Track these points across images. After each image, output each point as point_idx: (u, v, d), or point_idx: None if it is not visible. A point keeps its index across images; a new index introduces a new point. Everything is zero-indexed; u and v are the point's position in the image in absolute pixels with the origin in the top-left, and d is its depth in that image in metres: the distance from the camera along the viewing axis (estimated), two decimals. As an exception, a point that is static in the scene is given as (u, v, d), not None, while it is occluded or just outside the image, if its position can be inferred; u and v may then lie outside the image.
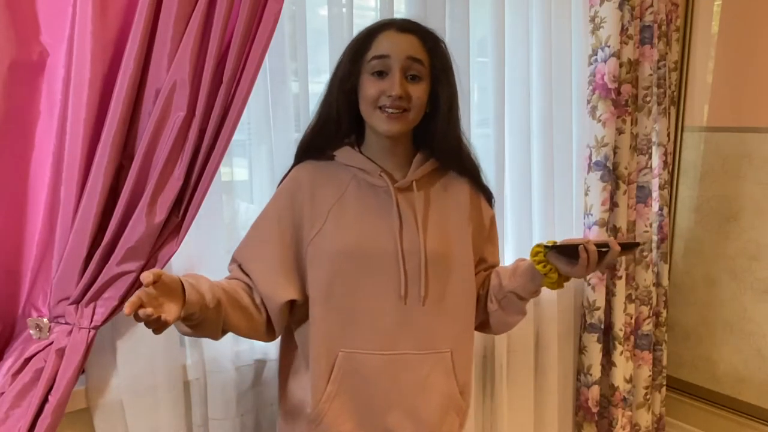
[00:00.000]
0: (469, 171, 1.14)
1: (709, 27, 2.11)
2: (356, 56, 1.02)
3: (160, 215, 1.03)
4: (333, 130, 1.06)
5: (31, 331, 1.02)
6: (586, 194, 1.85)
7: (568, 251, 1.02)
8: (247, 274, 1.04)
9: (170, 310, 0.81)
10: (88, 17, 0.94)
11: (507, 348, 1.74)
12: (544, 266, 1.06)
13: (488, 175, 1.64)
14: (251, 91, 1.07)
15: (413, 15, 1.42)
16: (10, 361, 1.00)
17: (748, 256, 2.07)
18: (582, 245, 1.01)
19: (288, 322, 1.08)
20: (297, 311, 1.07)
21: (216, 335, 0.96)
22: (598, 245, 1.01)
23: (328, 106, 1.05)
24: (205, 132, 1.05)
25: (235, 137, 1.08)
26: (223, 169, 1.16)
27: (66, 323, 1.02)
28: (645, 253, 1.99)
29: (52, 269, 1.01)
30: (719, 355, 2.18)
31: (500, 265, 1.24)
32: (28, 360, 1.00)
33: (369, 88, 1.00)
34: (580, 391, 1.98)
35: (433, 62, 1.02)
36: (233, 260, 1.08)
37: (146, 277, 0.76)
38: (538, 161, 1.77)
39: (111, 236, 1.01)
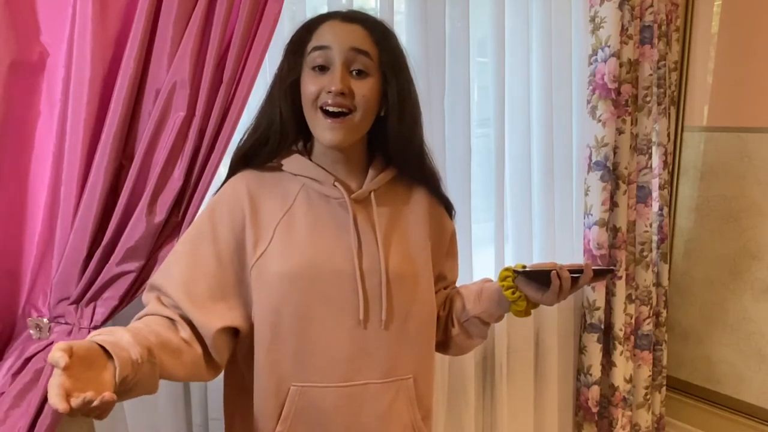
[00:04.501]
0: (428, 180, 1.02)
1: (709, 27, 2.11)
2: (296, 48, 0.91)
3: (160, 215, 1.03)
4: (278, 136, 0.93)
5: (31, 331, 1.02)
6: (586, 194, 1.85)
7: (538, 277, 0.94)
8: (167, 305, 0.87)
9: (105, 385, 0.64)
10: (88, 17, 0.94)
11: (507, 348, 1.73)
12: (513, 293, 0.97)
13: (488, 175, 1.67)
14: (251, 91, 1.07)
15: (413, 15, 1.43)
16: (10, 361, 0.99)
17: (748, 256, 2.07)
18: (555, 271, 0.92)
19: (232, 352, 0.94)
20: (244, 341, 0.93)
21: (152, 391, 0.78)
22: (571, 270, 0.93)
23: (270, 109, 0.93)
24: (205, 132, 1.05)
25: (235, 137, 1.08)
26: (223, 169, 1.16)
27: (66, 323, 1.02)
28: (645, 253, 1.99)
29: (52, 269, 1.01)
30: (719, 355, 2.18)
31: (457, 279, 1.15)
32: (28, 360, 1.00)
33: (309, 84, 0.88)
34: (580, 391, 1.98)
35: (381, 56, 0.89)
36: (152, 288, 0.90)
37: (59, 359, 0.59)
38: (538, 161, 1.77)
39: (111, 236, 1.01)
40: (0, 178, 0.96)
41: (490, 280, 1.09)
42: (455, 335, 1.09)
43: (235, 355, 0.96)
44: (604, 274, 0.99)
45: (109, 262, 1.01)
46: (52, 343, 1.01)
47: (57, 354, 0.60)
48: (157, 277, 0.90)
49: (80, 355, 0.63)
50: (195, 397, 1.25)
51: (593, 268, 0.95)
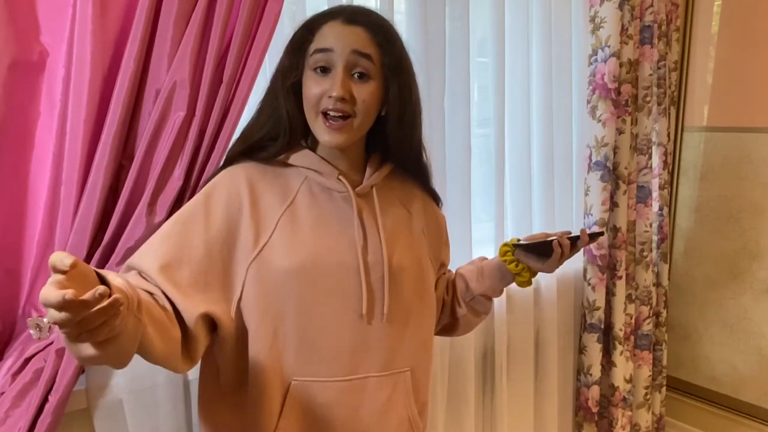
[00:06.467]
0: (421, 175, 1.05)
1: (709, 27, 2.11)
2: (298, 47, 0.90)
3: (160, 215, 1.03)
4: (287, 134, 0.92)
5: (31, 331, 1.01)
6: (586, 194, 1.85)
7: (536, 248, 1.02)
8: (149, 281, 0.83)
9: None
10: (88, 17, 0.94)
11: (507, 348, 1.74)
12: (516, 265, 1.05)
13: (488, 175, 1.67)
14: (251, 91, 1.07)
15: (413, 15, 1.43)
16: (10, 361, 0.99)
17: (748, 256, 2.07)
18: (556, 240, 1.01)
19: (208, 346, 0.90)
20: (226, 339, 0.90)
21: (127, 356, 0.69)
22: (567, 237, 1.03)
23: (274, 106, 0.93)
24: (205, 132, 1.05)
25: (235, 137, 1.08)
26: (223, 169, 1.16)
27: (66, 323, 1.02)
28: (645, 253, 1.99)
29: (52, 269, 1.01)
30: (719, 355, 2.18)
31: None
32: (28, 360, 1.00)
33: (311, 86, 0.88)
34: (580, 391, 1.99)
35: (383, 59, 0.89)
36: (129, 268, 0.86)
37: (65, 257, 0.53)
38: (538, 161, 1.77)
39: (111, 236, 1.01)
40: (0, 178, 0.96)
41: (486, 258, 1.14)
42: (462, 315, 1.13)
43: (212, 356, 0.94)
44: (597, 236, 1.07)
45: (109, 262, 1.01)
46: (52, 343, 1.01)
47: (62, 254, 0.54)
48: (136, 256, 0.85)
49: (80, 271, 0.57)
50: (195, 397, 1.25)
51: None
